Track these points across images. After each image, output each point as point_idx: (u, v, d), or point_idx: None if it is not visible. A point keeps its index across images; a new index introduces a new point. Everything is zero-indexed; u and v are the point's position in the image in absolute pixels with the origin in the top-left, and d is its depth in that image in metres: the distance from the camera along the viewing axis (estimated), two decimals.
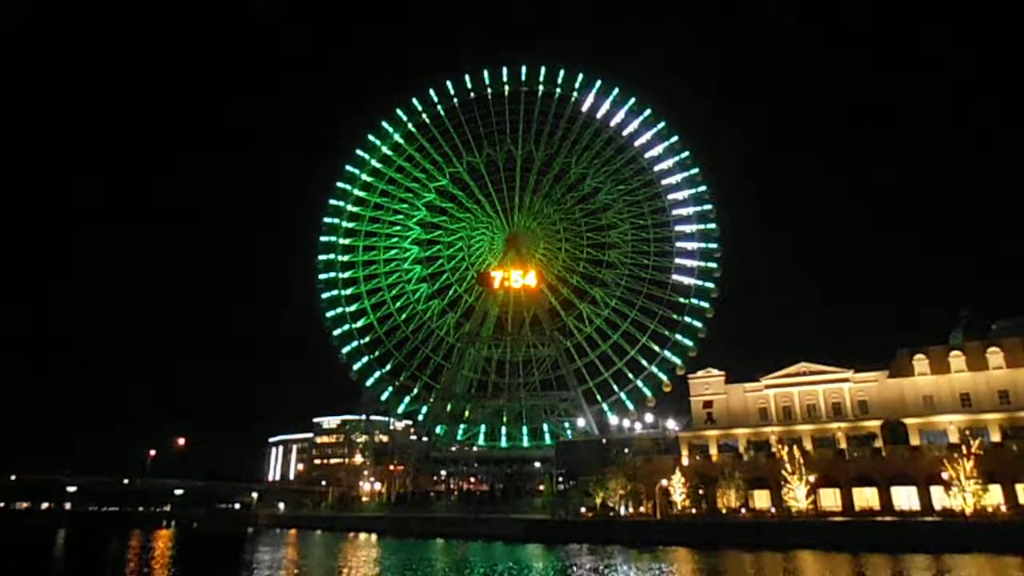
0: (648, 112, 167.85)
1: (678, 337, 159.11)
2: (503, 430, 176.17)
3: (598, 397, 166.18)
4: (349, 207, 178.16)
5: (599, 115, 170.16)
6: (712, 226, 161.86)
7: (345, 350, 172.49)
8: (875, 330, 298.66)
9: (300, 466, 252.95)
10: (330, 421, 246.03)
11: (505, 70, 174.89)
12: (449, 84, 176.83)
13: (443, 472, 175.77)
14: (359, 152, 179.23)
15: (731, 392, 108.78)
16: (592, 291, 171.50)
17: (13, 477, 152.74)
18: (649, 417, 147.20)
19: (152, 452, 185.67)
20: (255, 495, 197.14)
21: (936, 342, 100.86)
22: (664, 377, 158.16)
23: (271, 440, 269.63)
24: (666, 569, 61.92)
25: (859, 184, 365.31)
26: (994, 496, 78.78)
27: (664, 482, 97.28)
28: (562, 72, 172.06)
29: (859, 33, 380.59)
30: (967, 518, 75.34)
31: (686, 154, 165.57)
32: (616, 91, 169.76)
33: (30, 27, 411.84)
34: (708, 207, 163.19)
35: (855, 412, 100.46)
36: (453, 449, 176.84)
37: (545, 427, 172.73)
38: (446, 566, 69.91)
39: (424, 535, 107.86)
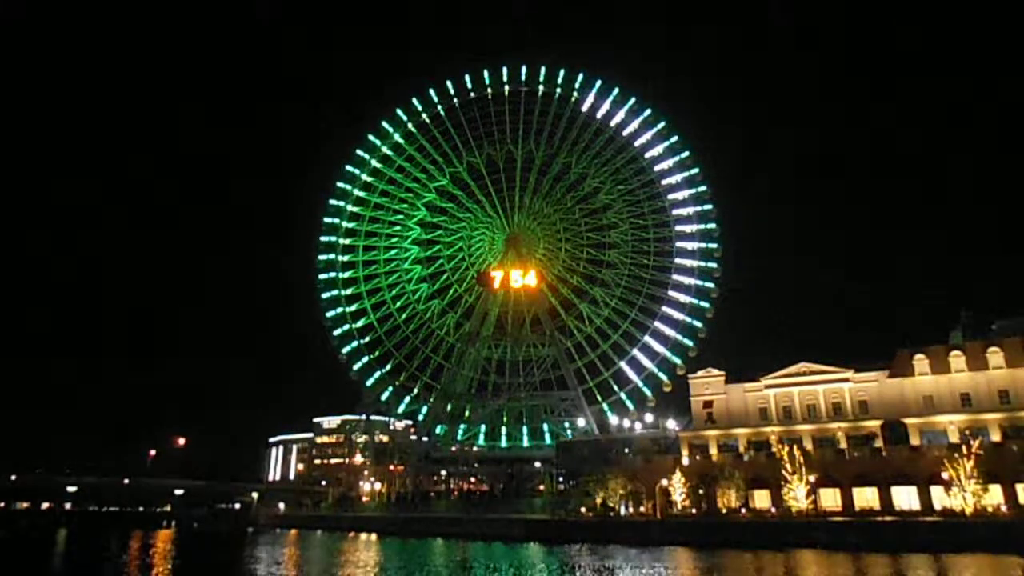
0: (648, 112, 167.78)
1: (678, 337, 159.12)
2: (503, 430, 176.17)
3: (598, 397, 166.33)
4: (349, 207, 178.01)
5: (599, 115, 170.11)
6: (712, 226, 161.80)
7: (345, 350, 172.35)
8: (875, 330, 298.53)
9: (300, 466, 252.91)
10: (330, 421, 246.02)
11: (505, 70, 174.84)
12: (449, 84, 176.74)
13: (443, 472, 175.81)
14: (359, 152, 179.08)
15: (731, 392, 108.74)
16: (592, 291, 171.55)
17: (13, 477, 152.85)
18: (649, 417, 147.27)
19: (152, 452, 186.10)
20: (255, 495, 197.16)
21: (936, 342, 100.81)
22: (664, 377, 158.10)
23: (271, 440, 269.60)
24: (666, 569, 61.88)
25: (860, 184, 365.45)
26: (994, 496, 78.69)
27: (664, 482, 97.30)
28: (562, 72, 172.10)
29: (860, 32, 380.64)
30: (967, 518, 75.31)
31: (686, 154, 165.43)
32: (616, 91, 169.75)
33: (30, 27, 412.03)
34: (708, 207, 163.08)
35: (855, 412, 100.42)
36: (453, 449, 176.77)
37: (545, 427, 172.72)
38: (446, 566, 69.89)
39: (424, 535, 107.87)
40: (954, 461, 79.57)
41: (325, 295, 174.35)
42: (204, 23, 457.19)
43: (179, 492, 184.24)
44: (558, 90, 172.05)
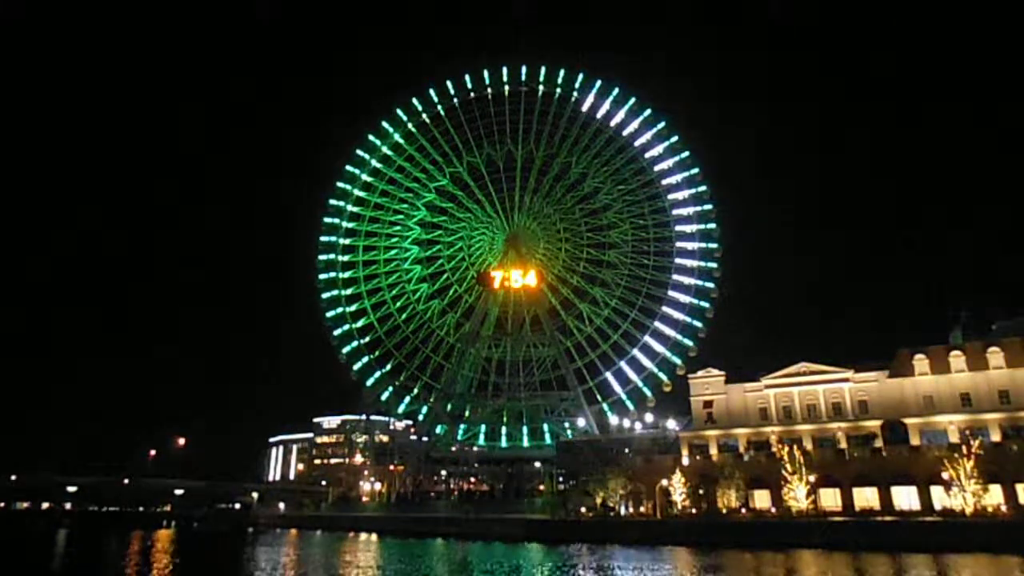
0: (648, 112, 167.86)
1: (678, 337, 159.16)
2: (503, 430, 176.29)
3: (598, 397, 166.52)
4: (349, 207, 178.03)
5: (599, 115, 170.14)
6: (712, 226, 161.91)
7: (345, 350, 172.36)
8: (875, 330, 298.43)
9: (300, 466, 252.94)
10: (330, 421, 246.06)
11: (505, 70, 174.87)
12: (449, 84, 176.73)
13: (443, 472, 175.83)
14: (359, 152, 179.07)
15: (731, 392, 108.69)
16: (592, 291, 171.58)
17: (13, 477, 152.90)
18: (649, 417, 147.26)
19: (152, 452, 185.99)
20: (255, 495, 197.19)
21: (936, 342, 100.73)
22: (664, 377, 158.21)
23: (271, 440, 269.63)
24: (666, 569, 61.90)
25: (860, 184, 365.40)
26: (994, 496, 78.66)
27: (664, 482, 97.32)
28: (562, 72, 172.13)
29: (860, 32, 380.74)
30: (967, 518, 75.28)
31: (686, 154, 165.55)
32: (616, 91, 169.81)
33: (30, 27, 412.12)
34: (708, 207, 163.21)
35: (855, 412, 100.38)
36: (453, 449, 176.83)
37: (545, 427, 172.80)
38: (446, 566, 69.90)
39: (424, 535, 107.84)
40: (954, 461, 79.52)
41: (325, 295, 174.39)
42: (204, 23, 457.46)
43: (179, 492, 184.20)
44: (558, 90, 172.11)
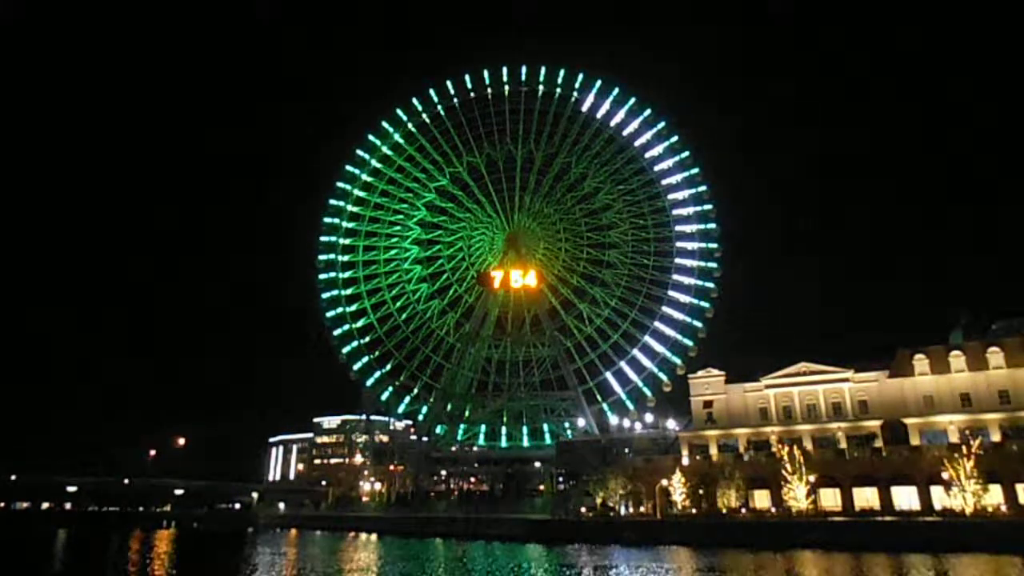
0: (648, 112, 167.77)
1: (678, 337, 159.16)
2: (503, 430, 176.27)
3: (598, 397, 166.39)
4: (349, 207, 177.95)
5: (599, 115, 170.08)
6: (712, 226, 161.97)
7: (345, 350, 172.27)
8: (875, 330, 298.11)
9: (300, 466, 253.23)
10: (330, 421, 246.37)
11: (505, 70, 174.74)
12: (449, 84, 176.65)
13: (443, 472, 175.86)
14: (359, 152, 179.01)
15: (731, 392, 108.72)
16: (592, 291, 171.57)
17: (13, 477, 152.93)
18: (649, 417, 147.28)
19: (152, 452, 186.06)
20: (255, 495, 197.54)
21: (936, 342, 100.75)
22: (664, 377, 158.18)
23: (271, 440, 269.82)
24: (666, 569, 61.91)
25: (860, 184, 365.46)
26: (994, 496, 78.72)
27: (664, 482, 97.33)
28: (562, 72, 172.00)
29: (859, 32, 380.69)
30: (967, 518, 75.29)
31: (686, 154, 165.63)
32: (616, 91, 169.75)
33: (30, 27, 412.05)
34: (708, 207, 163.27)
35: (855, 412, 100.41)
36: (453, 449, 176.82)
37: (545, 427, 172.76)
38: (446, 566, 69.92)
39: (424, 535, 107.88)
40: (954, 461, 79.56)
41: (325, 295, 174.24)
42: (204, 23, 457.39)
43: (179, 492, 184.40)
44: (558, 90, 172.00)
